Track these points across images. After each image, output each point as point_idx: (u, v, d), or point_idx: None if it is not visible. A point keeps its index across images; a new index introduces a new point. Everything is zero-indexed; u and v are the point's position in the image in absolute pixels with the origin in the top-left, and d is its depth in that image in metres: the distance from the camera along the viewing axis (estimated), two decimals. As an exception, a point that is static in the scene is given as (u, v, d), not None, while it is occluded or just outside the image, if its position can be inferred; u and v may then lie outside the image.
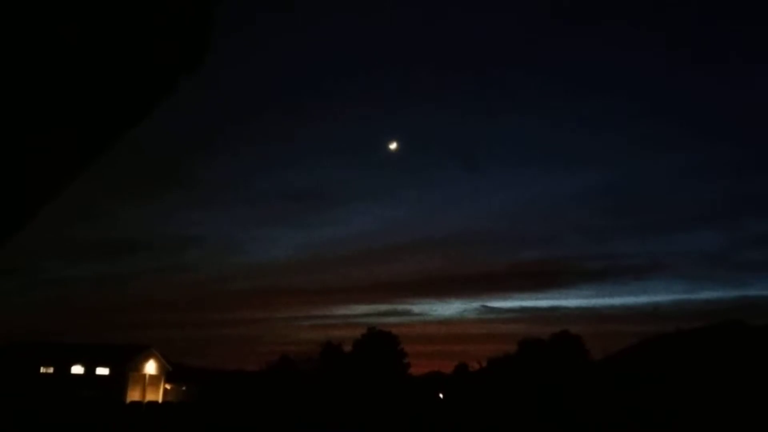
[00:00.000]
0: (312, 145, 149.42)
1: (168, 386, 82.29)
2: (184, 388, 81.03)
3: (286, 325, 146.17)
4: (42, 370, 76.40)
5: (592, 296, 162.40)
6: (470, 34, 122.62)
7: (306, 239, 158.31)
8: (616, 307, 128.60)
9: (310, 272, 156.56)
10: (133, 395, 76.68)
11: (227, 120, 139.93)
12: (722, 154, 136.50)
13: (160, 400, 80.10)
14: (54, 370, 76.47)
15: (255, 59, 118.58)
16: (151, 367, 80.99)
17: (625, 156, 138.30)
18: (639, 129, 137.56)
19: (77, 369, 76.81)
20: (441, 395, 75.40)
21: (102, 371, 76.65)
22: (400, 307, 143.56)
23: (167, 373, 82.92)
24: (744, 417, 53.86)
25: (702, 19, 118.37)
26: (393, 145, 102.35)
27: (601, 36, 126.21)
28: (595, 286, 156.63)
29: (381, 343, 75.10)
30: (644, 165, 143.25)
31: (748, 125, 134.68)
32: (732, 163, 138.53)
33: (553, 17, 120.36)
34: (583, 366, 73.34)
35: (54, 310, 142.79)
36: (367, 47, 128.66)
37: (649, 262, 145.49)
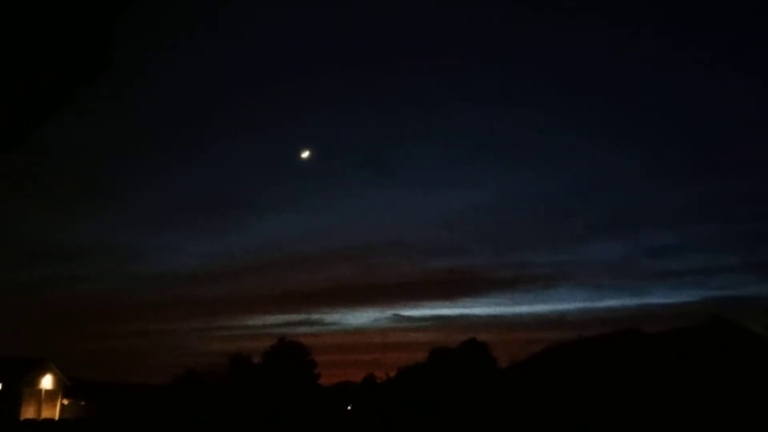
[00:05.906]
0: (222, 153, 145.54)
1: (66, 402, 78.55)
2: (83, 403, 77.62)
3: (194, 336, 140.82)
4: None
5: (500, 304, 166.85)
6: (382, 35, 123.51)
7: (215, 248, 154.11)
8: (523, 315, 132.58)
9: (220, 282, 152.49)
10: (28, 412, 72.83)
11: (133, 127, 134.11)
12: (624, 166, 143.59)
13: (56, 416, 76.60)
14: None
15: (165, 66, 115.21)
16: (47, 382, 77.02)
17: (532, 168, 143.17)
18: (543, 141, 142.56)
19: (-35, 384, 72.14)
20: (349, 407, 75.62)
21: (-7, 387, 72.32)
22: (313, 316, 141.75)
23: (65, 388, 79.08)
24: (633, 416, 57.33)
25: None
26: (305, 154, 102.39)
27: (513, 47, 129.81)
28: (504, 295, 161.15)
29: (290, 354, 74.67)
30: (550, 177, 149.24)
31: (650, 136, 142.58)
32: (634, 174, 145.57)
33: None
34: (490, 373, 75.38)
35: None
36: (282, 53, 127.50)
37: (556, 272, 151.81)
